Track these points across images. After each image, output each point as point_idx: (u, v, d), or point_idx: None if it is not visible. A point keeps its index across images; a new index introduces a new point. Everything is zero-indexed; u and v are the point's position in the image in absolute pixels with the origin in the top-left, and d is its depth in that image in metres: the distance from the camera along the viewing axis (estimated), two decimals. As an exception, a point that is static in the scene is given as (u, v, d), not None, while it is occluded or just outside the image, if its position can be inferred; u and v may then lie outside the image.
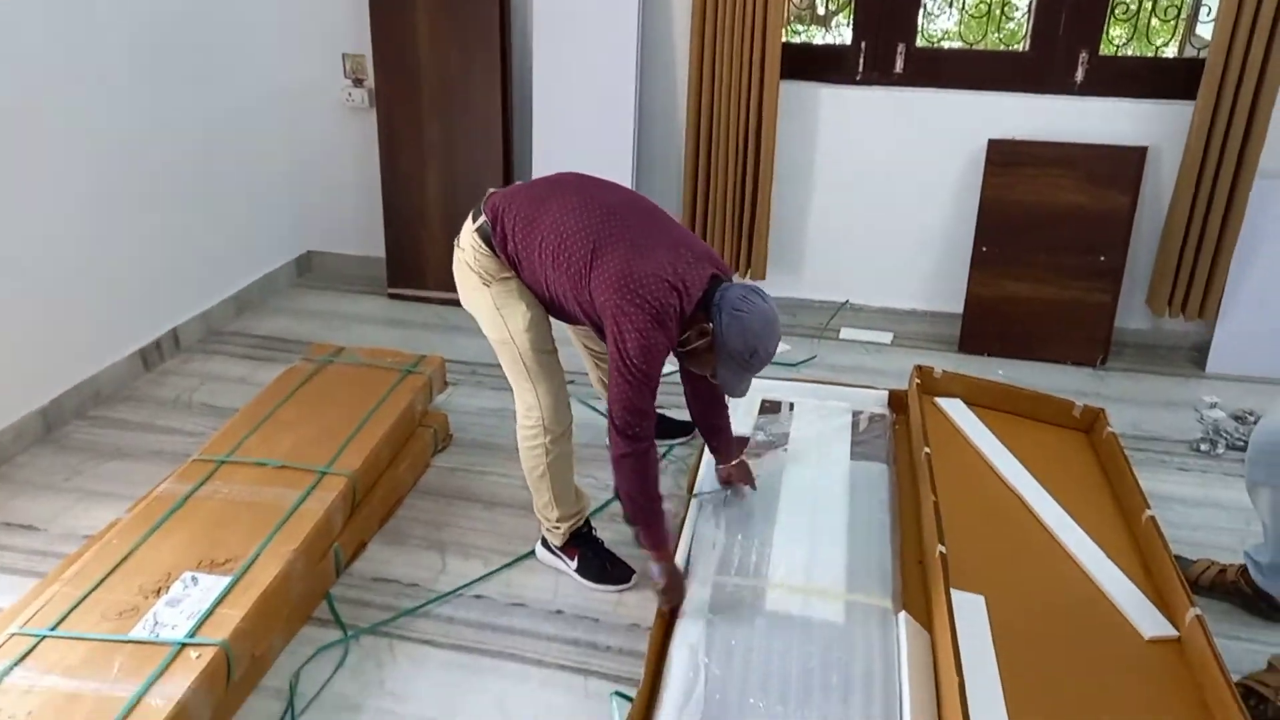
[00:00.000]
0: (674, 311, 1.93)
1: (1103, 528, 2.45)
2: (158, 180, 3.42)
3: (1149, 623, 2.13)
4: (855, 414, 2.98)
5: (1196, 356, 3.67)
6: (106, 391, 3.22)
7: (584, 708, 2.01)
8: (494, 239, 2.11)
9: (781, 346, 3.76)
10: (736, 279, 2.44)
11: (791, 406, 3.03)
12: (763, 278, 3.95)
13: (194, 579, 2.06)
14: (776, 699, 1.91)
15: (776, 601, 2.18)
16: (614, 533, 2.53)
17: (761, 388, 3.15)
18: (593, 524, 2.45)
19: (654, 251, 1.95)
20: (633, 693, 1.94)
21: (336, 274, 4.39)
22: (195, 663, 1.84)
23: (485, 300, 2.17)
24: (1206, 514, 2.70)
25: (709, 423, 2.46)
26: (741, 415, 2.98)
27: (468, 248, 2.16)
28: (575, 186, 2.11)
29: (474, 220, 2.16)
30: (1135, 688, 1.98)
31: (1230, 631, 2.22)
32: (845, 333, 3.92)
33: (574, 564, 2.39)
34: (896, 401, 3.05)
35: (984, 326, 3.72)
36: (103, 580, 2.05)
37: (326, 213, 4.33)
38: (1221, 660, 1.92)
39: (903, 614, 2.14)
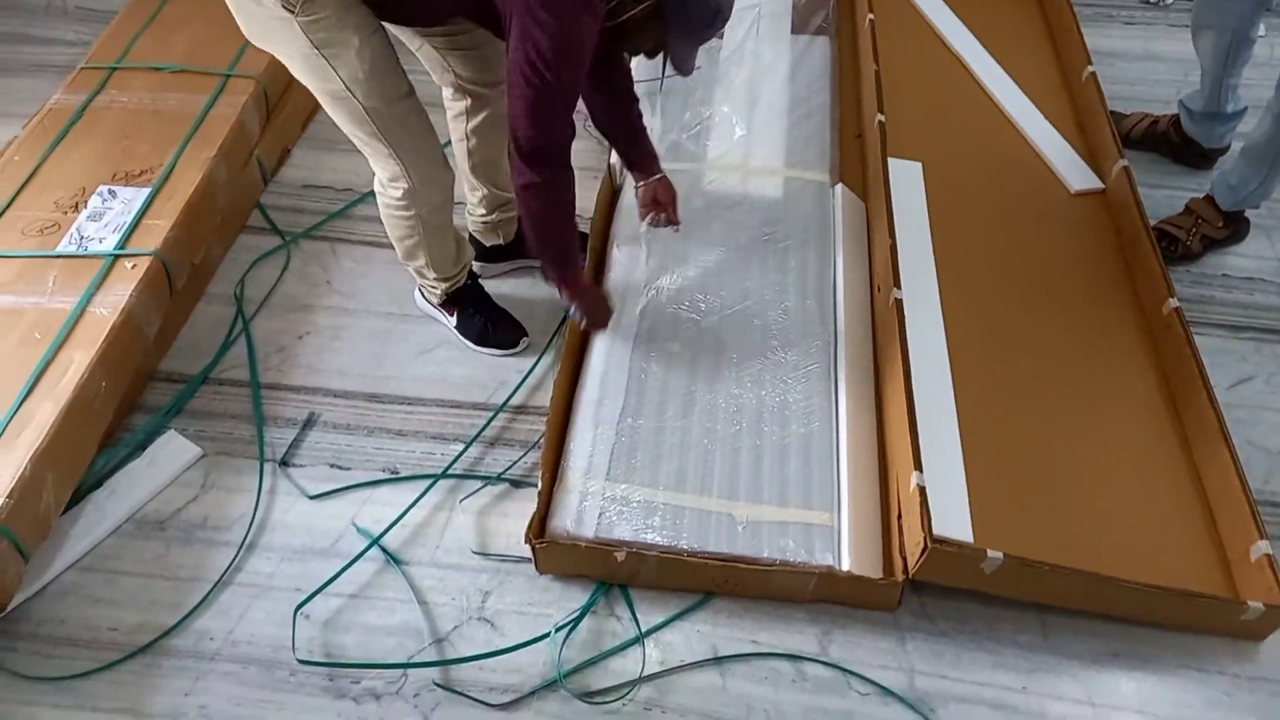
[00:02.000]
0: None
1: (1043, 88, 2.42)
2: None
3: (1077, 177, 2.18)
4: (796, -17, 2.78)
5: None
6: (-36, 1, 2.87)
7: (533, 294, 2.07)
8: None
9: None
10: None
11: (729, -21, 2.81)
12: None
13: (111, 192, 1.97)
14: (714, 271, 1.97)
15: (715, 181, 2.17)
16: (503, 283, 2.06)
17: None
18: (477, 273, 1.98)
19: None
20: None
21: None
22: (132, 272, 1.82)
23: (292, 38, 1.42)
24: (1147, 68, 2.67)
25: (620, 124, 1.84)
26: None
27: None
28: None
29: None
30: (1059, 238, 2.07)
31: (1154, 181, 2.29)
32: (787, -107, 3.53)
33: (453, 320, 1.95)
34: (841, -33, 2.83)
35: (939, -123, 3.37)
36: (13, 199, 1.95)
37: None
38: (1141, 206, 1.99)
39: (839, 186, 2.16)
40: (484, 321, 1.94)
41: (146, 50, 2.33)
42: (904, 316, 1.73)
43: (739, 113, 2.33)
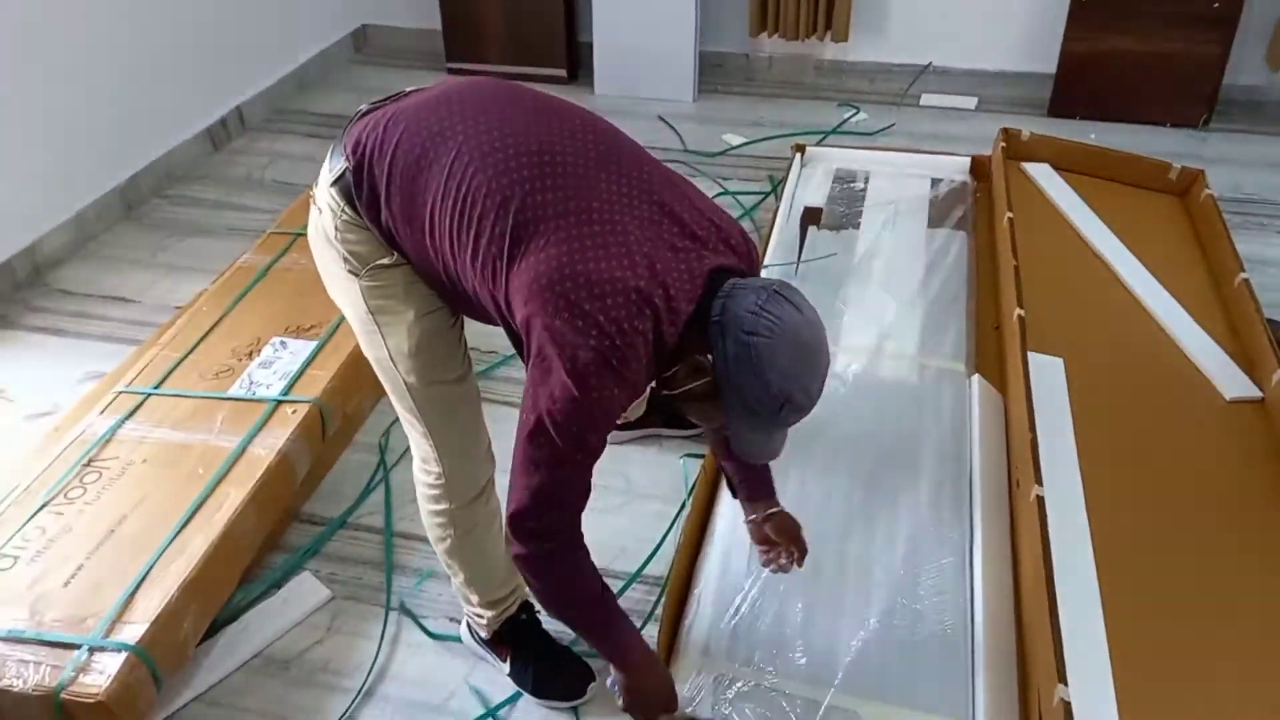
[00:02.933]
0: (643, 345, 1.15)
1: (1192, 292, 2.37)
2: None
3: (1232, 384, 2.09)
4: (934, 181, 2.87)
5: (1312, 115, 3.40)
6: (180, 171, 3.26)
7: (659, 461, 2.09)
8: (358, 199, 1.29)
9: (858, 116, 3.59)
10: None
11: (867, 177, 2.92)
12: (844, 39, 3.70)
13: (283, 343, 2.14)
14: (846, 455, 1.95)
15: (849, 364, 2.18)
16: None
17: (837, 158, 3.04)
18: (535, 606, 1.68)
19: (615, 231, 1.16)
20: (701, 452, 2.00)
21: (393, 48, 4.26)
22: (292, 418, 1.94)
23: (354, 299, 1.36)
24: (1305, 278, 2.60)
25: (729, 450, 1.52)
26: (815, 186, 2.89)
27: (325, 208, 1.34)
28: (486, 107, 1.24)
29: (330, 162, 1.34)
30: (1213, 445, 1.97)
31: (1317, 393, 2.17)
32: (926, 99, 3.71)
33: (506, 666, 1.68)
34: (979, 168, 2.91)
35: (1078, 87, 3.48)
36: (198, 344, 2.14)
37: (379, -19, 4.16)
38: (1307, 418, 1.89)
39: (975, 377, 2.14)
40: (544, 667, 1.66)
41: (329, 219, 2.57)
42: (1045, 514, 1.66)
43: (876, 299, 2.37)
